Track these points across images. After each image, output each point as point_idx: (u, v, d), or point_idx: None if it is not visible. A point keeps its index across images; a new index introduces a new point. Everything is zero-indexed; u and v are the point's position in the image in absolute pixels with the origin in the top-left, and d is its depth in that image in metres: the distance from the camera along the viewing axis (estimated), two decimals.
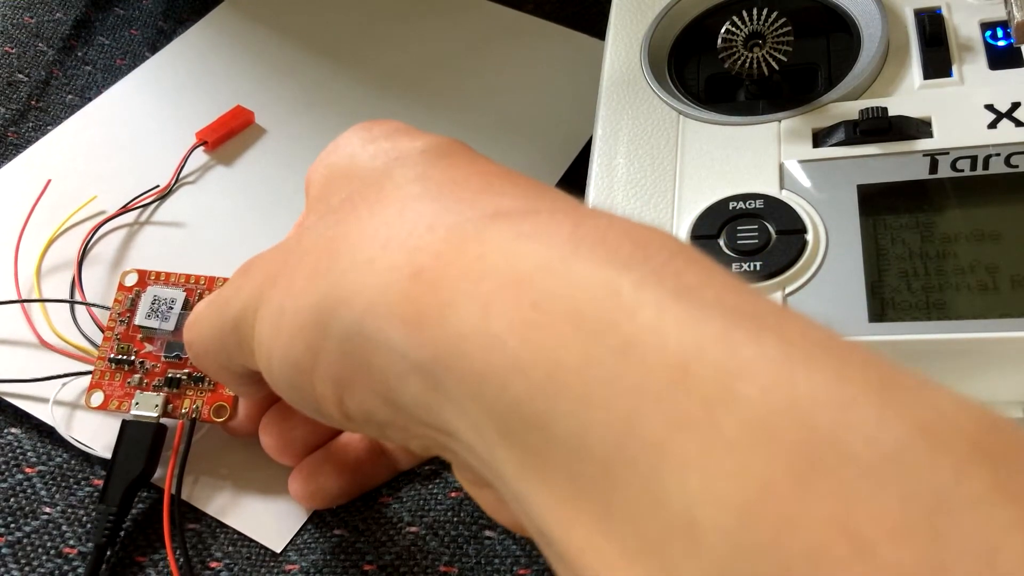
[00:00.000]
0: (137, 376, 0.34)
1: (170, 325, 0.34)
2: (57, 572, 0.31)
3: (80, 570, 0.31)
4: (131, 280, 0.35)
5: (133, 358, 0.34)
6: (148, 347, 0.34)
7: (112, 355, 0.34)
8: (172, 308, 0.34)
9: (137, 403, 0.33)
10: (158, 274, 0.36)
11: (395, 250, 0.20)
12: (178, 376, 0.33)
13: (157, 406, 0.33)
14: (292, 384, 0.23)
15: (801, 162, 0.31)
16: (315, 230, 0.23)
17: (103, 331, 0.36)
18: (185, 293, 0.35)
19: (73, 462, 0.34)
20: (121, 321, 0.35)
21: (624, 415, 0.15)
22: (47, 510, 0.33)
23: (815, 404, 0.14)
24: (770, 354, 0.15)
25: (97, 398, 0.34)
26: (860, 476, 0.13)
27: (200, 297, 0.35)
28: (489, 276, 0.18)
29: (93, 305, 0.38)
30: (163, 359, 0.34)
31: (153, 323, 0.34)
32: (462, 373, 0.18)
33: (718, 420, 0.14)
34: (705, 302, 0.16)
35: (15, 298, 0.38)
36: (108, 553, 0.32)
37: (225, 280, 0.35)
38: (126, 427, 0.33)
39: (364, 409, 0.21)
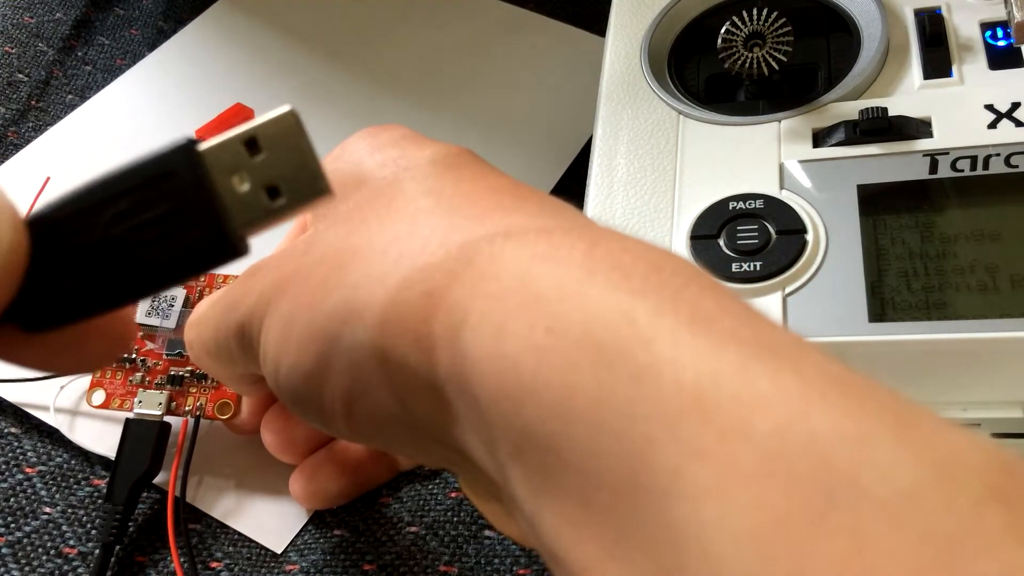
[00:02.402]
0: (139, 374, 0.34)
1: (171, 323, 0.34)
2: (57, 572, 0.31)
3: (80, 570, 0.31)
4: None
5: (134, 356, 0.34)
6: (149, 345, 0.34)
7: None
8: (173, 306, 0.34)
9: (140, 401, 0.33)
10: None
11: (407, 267, 0.20)
12: (181, 374, 0.33)
13: (160, 404, 0.33)
14: (299, 394, 0.22)
15: (801, 162, 0.31)
16: (324, 240, 0.23)
17: None
18: (186, 291, 0.35)
19: (73, 462, 0.34)
20: None
21: (638, 442, 0.15)
22: (47, 510, 0.33)
23: (832, 440, 0.14)
24: (787, 388, 0.15)
25: (99, 396, 0.34)
26: (876, 513, 0.13)
27: (201, 295, 0.35)
28: (503, 297, 0.18)
29: None
30: (165, 357, 0.34)
31: (154, 321, 0.34)
32: (475, 393, 0.18)
33: (734, 452, 0.14)
34: (721, 333, 0.16)
35: None
36: (115, 552, 0.32)
37: (226, 279, 0.35)
38: (130, 425, 0.33)
39: (373, 422, 0.21)
